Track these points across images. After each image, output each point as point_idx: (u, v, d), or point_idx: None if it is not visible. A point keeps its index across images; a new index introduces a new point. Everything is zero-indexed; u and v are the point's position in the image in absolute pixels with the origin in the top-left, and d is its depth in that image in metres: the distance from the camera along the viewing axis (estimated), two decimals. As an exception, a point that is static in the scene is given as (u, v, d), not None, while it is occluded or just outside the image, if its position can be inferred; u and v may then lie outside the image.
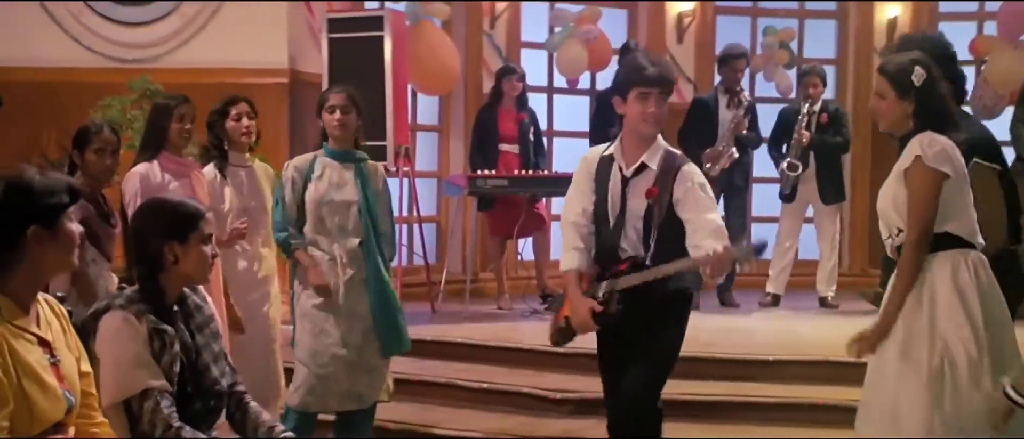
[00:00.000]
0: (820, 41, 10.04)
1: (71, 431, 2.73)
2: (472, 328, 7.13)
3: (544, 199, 8.29)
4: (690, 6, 9.79)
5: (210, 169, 5.14)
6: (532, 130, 8.22)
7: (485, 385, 6.14)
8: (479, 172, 7.78)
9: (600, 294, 4.09)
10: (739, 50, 8.37)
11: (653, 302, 4.06)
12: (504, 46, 9.23)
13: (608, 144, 4.23)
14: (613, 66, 8.56)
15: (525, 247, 8.53)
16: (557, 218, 8.10)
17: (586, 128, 9.23)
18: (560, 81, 9.46)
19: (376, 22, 7.43)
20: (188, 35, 7.62)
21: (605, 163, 4.18)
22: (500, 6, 9.18)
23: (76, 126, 4.93)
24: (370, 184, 4.94)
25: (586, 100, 9.65)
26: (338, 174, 4.90)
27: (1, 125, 7.37)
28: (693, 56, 9.75)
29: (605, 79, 9.03)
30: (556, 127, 9.68)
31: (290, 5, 7.72)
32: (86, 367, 2.85)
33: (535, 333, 6.46)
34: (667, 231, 4.02)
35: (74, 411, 2.73)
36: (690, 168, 4.11)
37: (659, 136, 4.15)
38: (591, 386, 5.70)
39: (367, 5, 8.74)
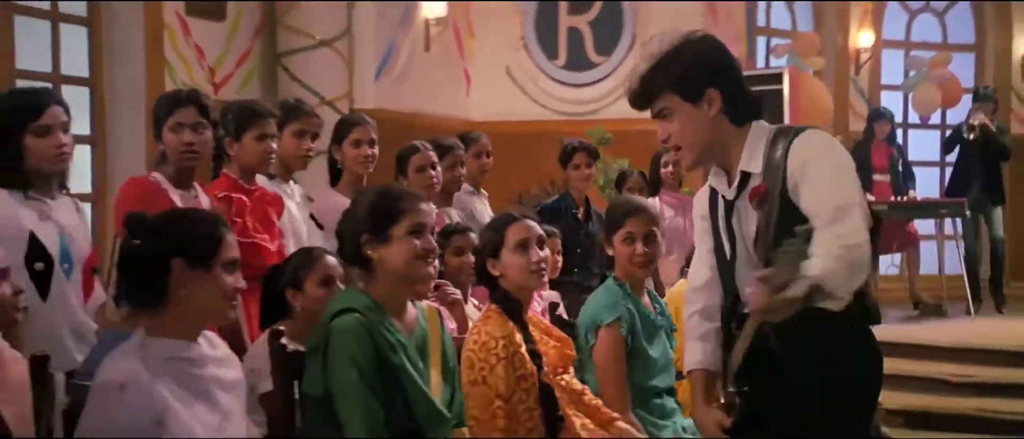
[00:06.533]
0: None
1: None
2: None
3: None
4: (1035, 46, 10.89)
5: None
6: (900, 161, 9.58)
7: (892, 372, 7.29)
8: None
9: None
10: None
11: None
12: (867, 89, 10.64)
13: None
14: (965, 103, 9.84)
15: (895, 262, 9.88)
16: (923, 237, 9.49)
17: (936, 158, 10.52)
18: (913, 117, 10.78)
19: (777, 77, 8.94)
20: (622, 92, 9.29)
21: (713, 196, 2.99)
22: (864, 55, 10.62)
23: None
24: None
25: (936, 134, 10.94)
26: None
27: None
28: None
29: (956, 116, 10.24)
30: (910, 158, 10.92)
31: (705, 64, 9.27)
32: None
33: (910, 332, 7.82)
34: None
35: None
36: (808, 136, 2.74)
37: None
38: (990, 374, 6.87)
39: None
